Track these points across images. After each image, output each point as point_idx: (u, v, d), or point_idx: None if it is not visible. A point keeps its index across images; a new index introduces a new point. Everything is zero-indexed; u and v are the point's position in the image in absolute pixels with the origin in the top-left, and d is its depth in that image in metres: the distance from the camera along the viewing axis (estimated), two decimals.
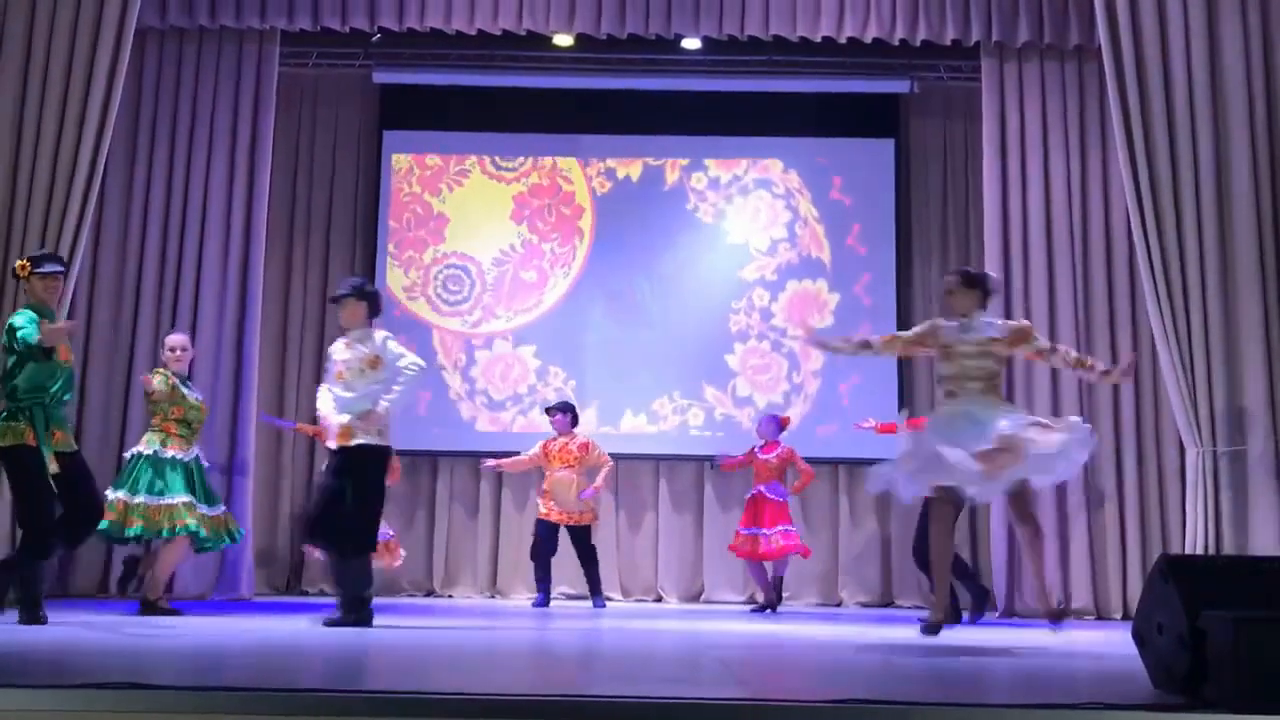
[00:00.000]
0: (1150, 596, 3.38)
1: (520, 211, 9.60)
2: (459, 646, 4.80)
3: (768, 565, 8.21)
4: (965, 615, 7.27)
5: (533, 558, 8.24)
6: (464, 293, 9.52)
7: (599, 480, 8.26)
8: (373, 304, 6.02)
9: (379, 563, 7.56)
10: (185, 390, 6.68)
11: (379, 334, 5.96)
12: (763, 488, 8.14)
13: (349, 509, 5.69)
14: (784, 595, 8.52)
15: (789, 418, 8.50)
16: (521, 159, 9.64)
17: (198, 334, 8.17)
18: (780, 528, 8.02)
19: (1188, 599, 3.12)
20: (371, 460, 5.78)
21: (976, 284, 5.42)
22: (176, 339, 6.85)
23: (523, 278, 9.52)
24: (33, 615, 5.33)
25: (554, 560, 8.22)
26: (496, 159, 9.66)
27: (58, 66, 7.49)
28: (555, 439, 8.29)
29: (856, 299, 9.44)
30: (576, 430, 8.36)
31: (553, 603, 8.29)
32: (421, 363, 5.96)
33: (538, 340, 9.44)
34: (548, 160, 9.63)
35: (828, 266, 9.50)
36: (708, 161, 9.65)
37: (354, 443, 5.73)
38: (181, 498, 6.41)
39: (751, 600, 8.91)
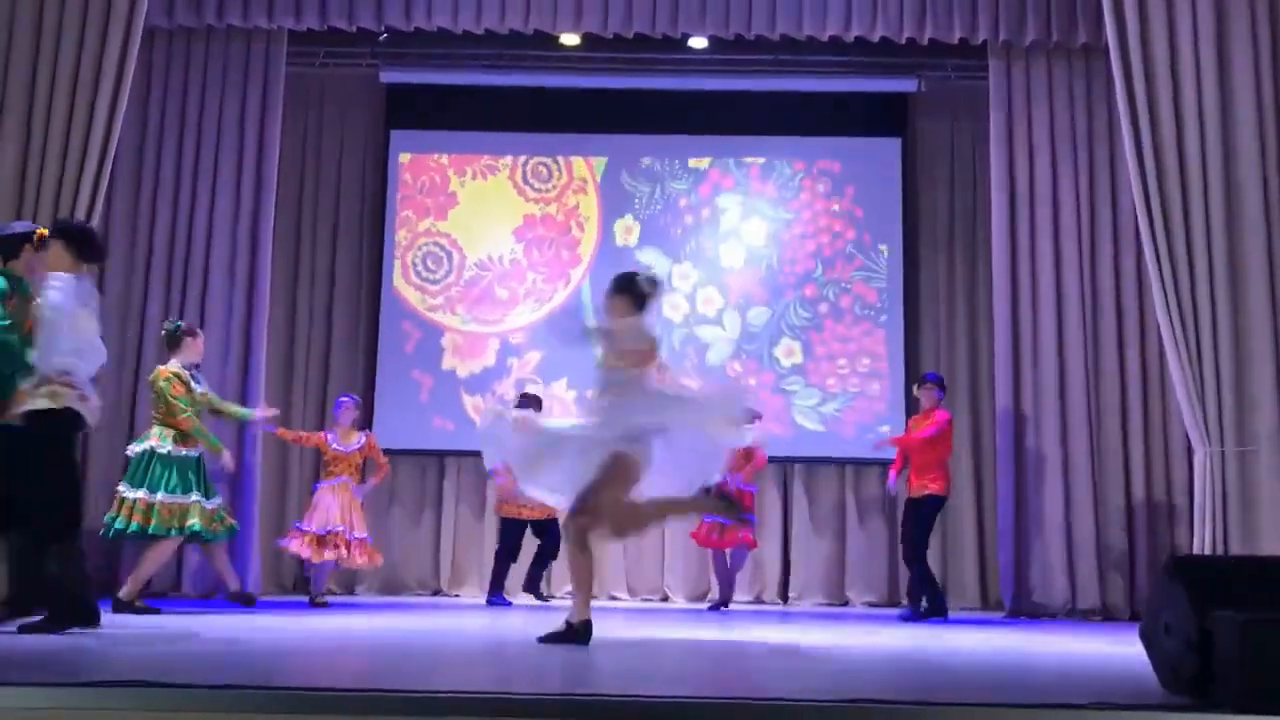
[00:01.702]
0: (1158, 597, 3.37)
1: (525, 232, 9.58)
2: (465, 645, 4.80)
3: (725, 556, 8.18)
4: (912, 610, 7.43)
5: (512, 559, 8.17)
6: (438, 275, 9.51)
7: None
8: (76, 243, 5.03)
9: (361, 562, 7.56)
10: (194, 384, 6.70)
11: (54, 278, 4.93)
12: (727, 476, 8.05)
13: (24, 489, 4.86)
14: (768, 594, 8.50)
15: (760, 413, 8.32)
16: (552, 185, 9.61)
17: (206, 330, 8.19)
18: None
19: (1196, 599, 3.11)
20: (43, 429, 4.86)
21: (623, 289, 4.98)
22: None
23: (496, 291, 9.50)
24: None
25: (563, 558, 8.21)
26: (528, 173, 9.63)
27: (66, 65, 7.50)
28: None
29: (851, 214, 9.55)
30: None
31: (555, 601, 8.27)
32: (57, 303, 4.84)
33: (566, 372, 9.36)
34: (572, 199, 9.58)
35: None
36: (711, 160, 9.66)
37: (25, 409, 4.85)
38: (192, 497, 6.48)
39: (759, 600, 8.90)
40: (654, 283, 4.96)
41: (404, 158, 9.64)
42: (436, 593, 9.17)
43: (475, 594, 9.13)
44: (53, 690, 2.82)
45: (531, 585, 8.29)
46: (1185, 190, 7.36)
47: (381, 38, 8.88)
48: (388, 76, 9.50)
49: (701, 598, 9.18)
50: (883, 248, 9.40)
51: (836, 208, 9.54)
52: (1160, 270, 7.35)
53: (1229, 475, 7.15)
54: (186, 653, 4.14)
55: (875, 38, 8.27)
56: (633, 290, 4.93)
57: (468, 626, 5.99)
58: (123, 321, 8.37)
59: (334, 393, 8.88)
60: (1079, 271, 8.39)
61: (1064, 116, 8.51)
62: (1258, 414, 7.16)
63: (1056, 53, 8.49)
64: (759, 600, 9.11)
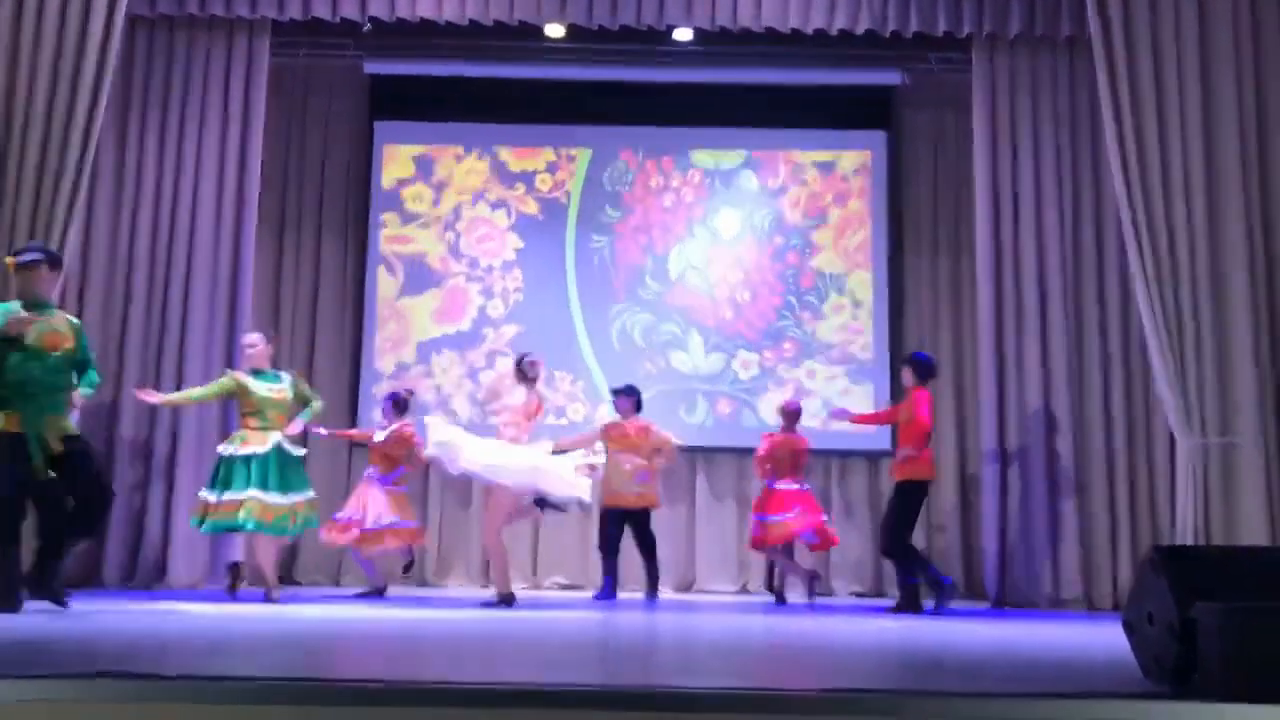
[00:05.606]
0: (1141, 587, 3.39)
1: (508, 223, 9.62)
2: (455, 636, 4.81)
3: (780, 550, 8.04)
4: (929, 604, 7.21)
5: (605, 550, 8.08)
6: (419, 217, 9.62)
7: (662, 460, 8.20)
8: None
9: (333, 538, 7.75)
10: (255, 383, 6.96)
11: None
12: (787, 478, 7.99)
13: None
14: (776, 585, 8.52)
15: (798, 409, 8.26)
16: (536, 176, 9.64)
17: (189, 321, 8.23)
18: (795, 511, 7.85)
19: (1178, 589, 3.14)
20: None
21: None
22: (247, 337, 7.26)
23: (475, 287, 9.60)
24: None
25: (552, 546, 8.17)
26: (512, 164, 9.62)
27: (46, 54, 7.43)
28: (617, 423, 8.17)
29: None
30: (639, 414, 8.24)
31: (542, 592, 8.27)
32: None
33: (575, 374, 9.45)
34: (556, 190, 9.61)
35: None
36: (696, 153, 9.67)
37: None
38: (250, 491, 6.72)
39: (744, 590, 8.90)
40: (531, 364, 7.05)
41: (388, 149, 9.63)
42: (423, 584, 9.15)
43: (462, 585, 9.13)
44: (46, 681, 2.80)
45: (653, 588, 8.08)
46: (1167, 180, 7.39)
47: (365, 28, 8.84)
48: (371, 67, 9.46)
49: (687, 588, 9.20)
50: (864, 275, 9.47)
51: (825, 199, 9.56)
52: (1142, 260, 7.38)
53: (1211, 466, 7.19)
54: (181, 642, 4.13)
55: (859, 30, 8.26)
56: (516, 368, 7.08)
57: (464, 617, 6.00)
58: (104, 313, 8.30)
59: (321, 380, 8.94)
60: (1062, 261, 8.40)
61: (1048, 108, 8.53)
62: (1240, 405, 7.20)
63: (1041, 45, 8.50)
64: (744, 590, 9.14)
